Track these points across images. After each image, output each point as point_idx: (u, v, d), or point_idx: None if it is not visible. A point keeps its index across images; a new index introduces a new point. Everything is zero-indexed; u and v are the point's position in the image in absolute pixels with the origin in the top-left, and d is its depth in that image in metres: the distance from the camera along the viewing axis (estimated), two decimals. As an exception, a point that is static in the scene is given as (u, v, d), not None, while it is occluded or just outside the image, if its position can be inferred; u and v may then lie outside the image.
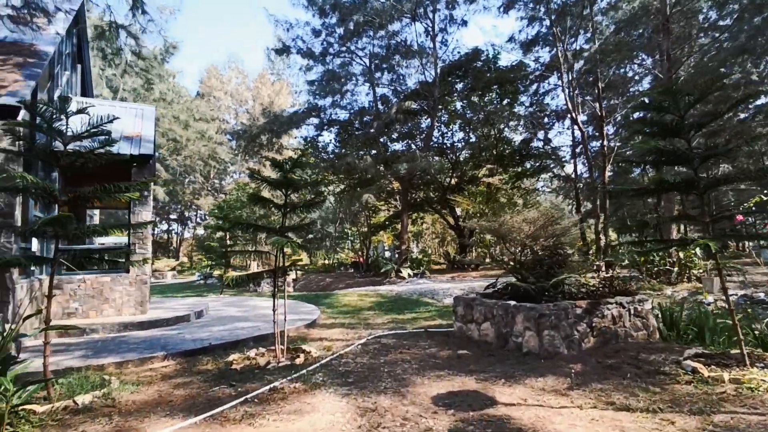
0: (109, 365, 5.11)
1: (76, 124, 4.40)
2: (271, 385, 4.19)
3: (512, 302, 5.30)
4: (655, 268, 13.19)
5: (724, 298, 10.74)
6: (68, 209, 9.71)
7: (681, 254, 13.02)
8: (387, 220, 33.08)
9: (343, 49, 24.94)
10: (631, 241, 12.84)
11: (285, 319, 5.60)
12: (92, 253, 6.24)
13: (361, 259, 26.98)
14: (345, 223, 34.73)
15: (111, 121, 4.42)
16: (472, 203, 23.38)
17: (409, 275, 20.82)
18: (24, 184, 3.89)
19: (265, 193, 24.64)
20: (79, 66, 10.43)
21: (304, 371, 4.72)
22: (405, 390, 4.00)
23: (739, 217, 13.45)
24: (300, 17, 36.60)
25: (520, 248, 6.01)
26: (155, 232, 54.68)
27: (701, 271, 13.29)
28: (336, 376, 4.55)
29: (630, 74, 27.87)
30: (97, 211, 13.46)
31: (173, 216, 47.78)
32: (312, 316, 8.51)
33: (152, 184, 8.47)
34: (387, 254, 27.63)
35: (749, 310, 8.57)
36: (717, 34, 19.10)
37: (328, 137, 32.07)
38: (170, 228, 57.08)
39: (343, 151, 24.26)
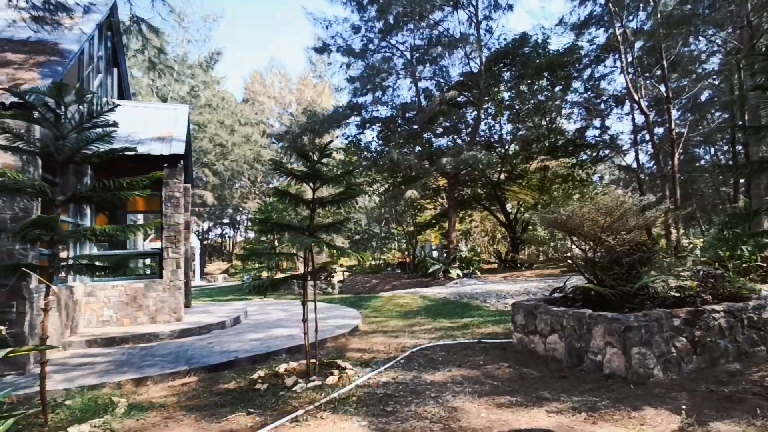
0: (127, 382, 4.64)
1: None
2: (293, 415, 3.49)
3: (587, 311, 4.32)
4: (744, 265, 11.45)
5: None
6: (107, 215, 9.62)
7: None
8: (434, 218, 32.06)
9: (384, 44, 24.26)
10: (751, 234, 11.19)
11: (316, 331, 4.92)
12: (120, 258, 5.86)
13: (408, 260, 26.21)
14: (391, 222, 34.10)
15: (112, 109, 3.89)
16: (529, 193, 21.88)
17: (458, 276, 19.79)
18: (13, 183, 3.42)
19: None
20: (115, 70, 10.39)
21: (336, 394, 4.00)
22: (456, 426, 3.17)
23: None
24: (338, 14, 36.57)
25: (592, 244, 4.98)
26: (210, 237, 56.76)
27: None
28: (372, 401, 3.79)
29: (696, 53, 25.30)
30: (141, 217, 13.52)
31: (225, 220, 49.22)
32: (353, 323, 7.83)
33: (182, 184, 8.11)
34: (434, 254, 26.68)
35: None
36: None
37: (370, 135, 31.57)
38: (223, 232, 59.01)
39: (386, 149, 23.54)
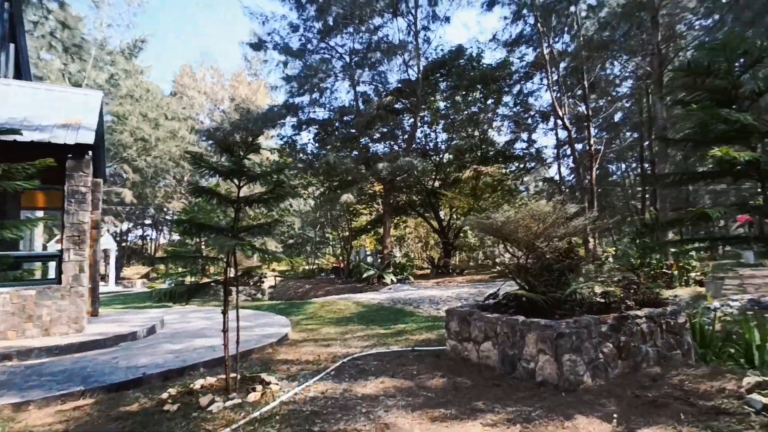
0: (3, 408, 3.91)
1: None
2: (204, 443, 3.07)
3: (520, 318, 4.29)
4: (652, 272, 12.44)
5: (730, 303, 9.96)
6: (-3, 210, 8.38)
7: (679, 257, 12.34)
8: (369, 224, 32.03)
9: (322, 45, 23.90)
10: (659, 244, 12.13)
11: (237, 342, 4.48)
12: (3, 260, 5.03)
13: (342, 265, 25.86)
14: (326, 227, 33.58)
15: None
16: (464, 199, 22.39)
17: (392, 281, 19.79)
18: None
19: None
20: (11, 46, 9.11)
21: (257, 413, 3.61)
22: (389, 444, 2.94)
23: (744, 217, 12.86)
24: (277, 10, 35.47)
25: (525, 250, 5.01)
26: (129, 238, 52.50)
27: (698, 274, 12.61)
28: (297, 420, 3.45)
29: (611, 77, 27.57)
30: (41, 215, 11.99)
31: (147, 221, 45.75)
32: (281, 331, 7.37)
33: (90, 178, 7.23)
34: (369, 259, 26.56)
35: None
36: (701, 33, 18.78)
37: (306, 137, 30.80)
38: (145, 233, 54.84)
39: (322, 152, 23.08)
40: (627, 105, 29.12)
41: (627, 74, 25.45)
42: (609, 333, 4.03)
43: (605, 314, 4.23)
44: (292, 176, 25.22)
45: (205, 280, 23.10)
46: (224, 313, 4.50)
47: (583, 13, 19.72)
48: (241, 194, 4.56)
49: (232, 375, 4.39)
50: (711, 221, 3.18)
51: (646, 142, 26.51)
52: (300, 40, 23.76)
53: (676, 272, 12.04)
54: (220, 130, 21.20)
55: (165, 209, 38.04)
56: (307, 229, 39.51)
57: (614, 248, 24.86)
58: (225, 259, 4.60)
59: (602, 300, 4.77)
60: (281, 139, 23.66)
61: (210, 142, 21.67)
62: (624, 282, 4.59)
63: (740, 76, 3.32)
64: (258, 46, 23.62)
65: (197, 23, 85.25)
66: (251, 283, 16.51)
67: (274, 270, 47.64)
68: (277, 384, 4.44)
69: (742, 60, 3.33)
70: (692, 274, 12.19)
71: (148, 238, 54.29)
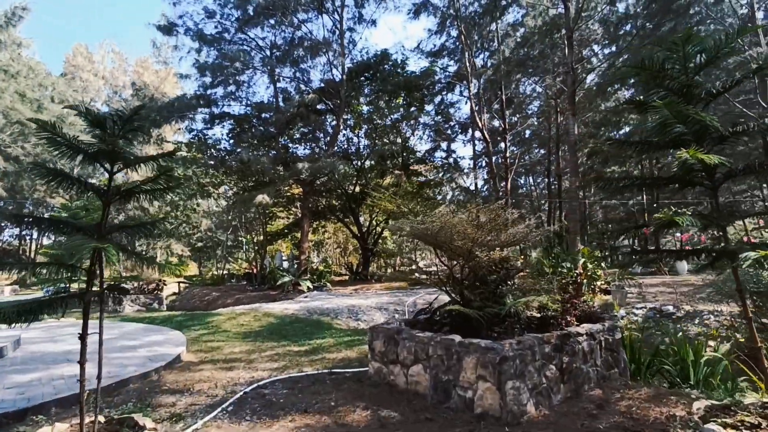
0: None
1: None
2: None
3: (457, 338, 3.75)
4: (563, 280, 12.89)
5: (634, 312, 10.48)
6: None
7: (589, 264, 12.94)
8: (286, 228, 30.60)
9: (241, 36, 22.34)
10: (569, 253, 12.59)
11: (100, 372, 3.40)
12: None
13: (255, 270, 24.24)
14: (240, 230, 31.49)
15: None
16: (393, 201, 22.00)
17: (309, 288, 18.80)
18: None
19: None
20: None
21: (116, 481, 2.64)
22: None
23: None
24: None
25: (460, 260, 4.51)
26: (2, 238, 45.20)
27: (602, 283, 13.34)
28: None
29: (525, 95, 29.20)
30: None
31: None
32: (173, 351, 6.20)
33: None
34: (285, 265, 25.20)
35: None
36: (605, 64, 20.46)
37: (219, 132, 28.65)
38: (22, 233, 47.64)
39: (237, 149, 21.41)
40: (536, 122, 31.04)
41: (538, 93, 27.01)
42: (552, 354, 3.63)
43: (545, 332, 3.84)
44: (201, 174, 23.17)
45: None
46: (82, 337, 3.41)
47: (504, 30, 20.51)
48: (110, 181, 3.51)
49: (91, 420, 3.31)
50: (680, 228, 2.86)
51: (552, 157, 28.37)
52: (216, 27, 22.03)
53: (585, 281, 12.56)
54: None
55: (46, 204, 33.11)
56: (219, 231, 36.89)
57: (523, 256, 26.08)
58: (85, 266, 3.50)
59: (539, 315, 4.41)
60: (190, 132, 21.59)
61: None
62: (564, 296, 4.26)
63: (694, 77, 3.09)
64: (168, 29, 21.39)
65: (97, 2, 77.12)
66: (147, 291, 14.58)
67: (179, 275, 43.91)
68: (154, 429, 3.44)
69: (695, 61, 3.09)
70: (598, 283, 12.81)
71: (27, 237, 47.30)
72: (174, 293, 27.51)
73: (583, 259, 13.44)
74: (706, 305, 9.41)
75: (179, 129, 23.21)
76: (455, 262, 4.67)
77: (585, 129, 26.33)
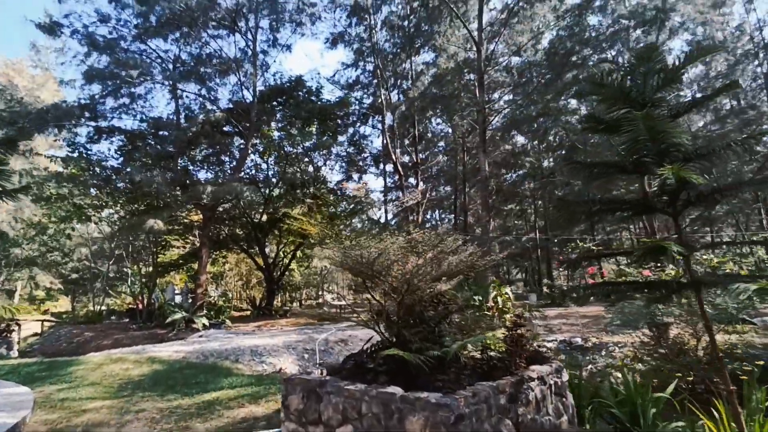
0: None
1: None
2: None
3: (398, 391, 3.08)
4: (477, 313, 12.91)
5: (545, 344, 10.63)
6: None
7: (499, 298, 13.13)
8: (181, 258, 27.70)
9: (141, 46, 20.35)
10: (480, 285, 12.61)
11: None
12: None
13: (141, 306, 21.31)
14: (125, 260, 27.86)
15: None
16: (316, 225, 20.89)
17: (205, 326, 16.81)
18: None
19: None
20: None
21: None
22: None
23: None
24: None
25: (396, 294, 3.88)
26: None
27: (510, 315, 13.65)
28: None
29: (435, 133, 30.48)
30: None
31: None
32: (9, 420, 4.66)
33: None
34: (178, 299, 22.52)
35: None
36: (511, 108, 22.13)
37: (107, 148, 25.02)
38: None
39: (127, 169, 18.97)
40: (444, 160, 32.43)
41: (446, 132, 28.29)
42: (507, 406, 3.13)
43: (496, 378, 3.34)
44: (80, 194, 20.11)
45: None
46: None
47: (419, 68, 21.25)
48: None
49: None
50: (666, 254, 2.55)
51: (459, 193, 29.65)
52: (111, 33, 19.79)
53: (496, 313, 12.68)
54: None
55: None
56: (99, 261, 32.37)
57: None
58: None
59: (480, 356, 3.93)
60: (70, 146, 18.70)
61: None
62: (511, 335, 3.83)
63: (654, 95, 2.92)
64: (50, 29, 18.66)
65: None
66: (-9, 334, 11.76)
67: (46, 312, 37.47)
68: None
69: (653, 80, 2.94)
70: (507, 316, 13.01)
71: None
72: (35, 334, 23.19)
73: (494, 292, 13.71)
74: (611, 337, 9.83)
75: (56, 141, 20.05)
76: (388, 297, 4.04)
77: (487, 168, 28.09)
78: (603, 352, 8.90)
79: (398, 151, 21.41)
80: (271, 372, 8.78)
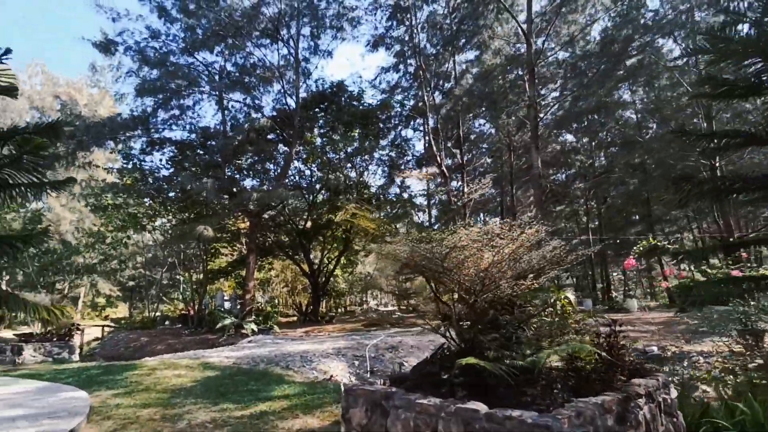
0: None
1: None
2: None
3: (480, 407, 2.61)
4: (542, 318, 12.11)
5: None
6: None
7: (558, 302, 12.24)
8: (230, 265, 28.30)
9: (189, 59, 20.97)
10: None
11: None
12: None
13: (192, 312, 21.80)
14: (177, 268, 28.80)
15: None
16: (375, 221, 20.72)
17: (253, 331, 16.88)
18: None
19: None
20: None
21: None
22: None
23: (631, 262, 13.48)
24: (132, 8, 31.09)
25: (471, 295, 3.41)
26: None
27: (572, 321, 12.68)
28: None
29: (480, 132, 29.62)
30: None
31: None
32: (65, 427, 4.55)
33: None
34: (227, 305, 22.89)
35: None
36: (561, 103, 21.05)
37: (159, 160, 25.88)
38: None
39: (178, 178, 19.51)
40: (488, 161, 31.45)
41: (491, 132, 27.40)
42: (616, 428, 2.58)
43: (589, 392, 2.80)
44: (135, 204, 20.90)
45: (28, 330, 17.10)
46: None
47: (462, 67, 20.68)
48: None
49: None
50: None
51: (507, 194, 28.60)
52: (161, 49, 20.51)
53: (556, 319, 11.84)
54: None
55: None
56: (154, 270, 33.67)
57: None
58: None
59: (566, 367, 3.38)
60: (124, 157, 19.46)
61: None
62: (604, 340, 3.28)
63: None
64: (105, 47, 19.58)
65: (28, 17, 72.74)
66: (54, 339, 12.19)
67: (106, 318, 39.40)
68: None
69: None
70: (569, 321, 12.12)
71: None
72: (96, 339, 24.29)
73: (553, 296, 12.86)
74: (692, 345, 8.86)
75: (112, 153, 20.93)
76: (457, 300, 3.58)
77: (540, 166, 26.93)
78: (685, 363, 7.98)
79: (442, 153, 20.84)
80: (322, 379, 8.47)
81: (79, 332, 13.99)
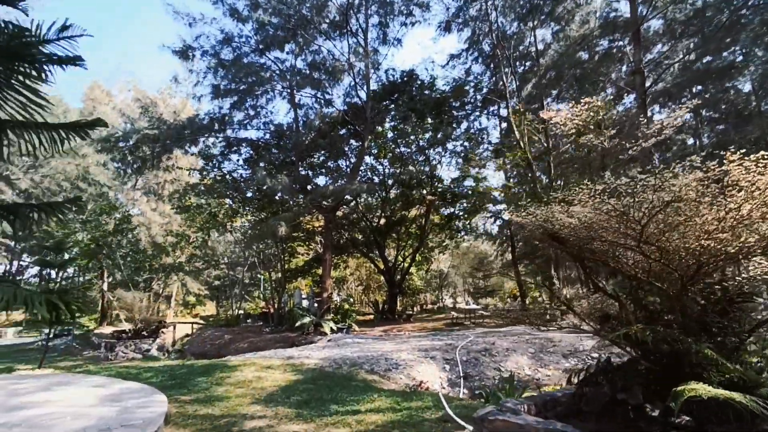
0: None
1: None
2: None
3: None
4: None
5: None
6: None
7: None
8: (306, 263, 28.51)
9: (260, 60, 21.12)
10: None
11: None
12: None
13: (272, 310, 22.00)
14: (257, 267, 29.53)
15: None
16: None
17: (332, 330, 16.43)
18: None
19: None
20: None
21: None
22: None
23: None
24: (207, 12, 32.36)
25: (675, 284, 2.22)
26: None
27: None
28: None
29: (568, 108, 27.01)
30: None
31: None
32: (137, 438, 3.96)
33: None
34: (305, 303, 22.89)
35: None
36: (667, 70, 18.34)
37: (235, 159, 26.30)
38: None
39: (255, 177, 19.70)
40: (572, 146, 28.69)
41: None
42: None
43: None
44: (216, 204, 21.49)
45: (126, 326, 18.15)
46: None
47: (544, 43, 18.78)
48: None
49: None
50: None
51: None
52: (234, 52, 20.85)
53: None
54: (121, 140, 16.99)
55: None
56: (237, 270, 34.97)
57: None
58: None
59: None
60: (204, 159, 20.01)
61: (113, 155, 17.11)
62: None
63: None
64: (184, 53, 20.26)
65: (115, 33, 79.74)
66: (144, 335, 12.44)
67: (196, 315, 41.80)
68: None
69: None
70: None
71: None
72: (186, 335, 25.50)
73: None
74: None
75: (193, 154, 21.65)
76: (646, 289, 2.38)
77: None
78: None
79: (525, 138, 19.07)
80: (413, 386, 7.52)
81: (165, 330, 14.27)
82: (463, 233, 32.78)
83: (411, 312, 28.44)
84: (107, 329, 19.79)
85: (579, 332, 2.89)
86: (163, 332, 13.82)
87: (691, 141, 25.53)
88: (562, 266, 26.85)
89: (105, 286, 25.49)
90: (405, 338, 13.61)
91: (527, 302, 29.58)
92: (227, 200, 20.73)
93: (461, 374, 8.56)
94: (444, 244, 33.33)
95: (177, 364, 9.69)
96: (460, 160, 27.65)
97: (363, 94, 21.08)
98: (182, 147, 17.71)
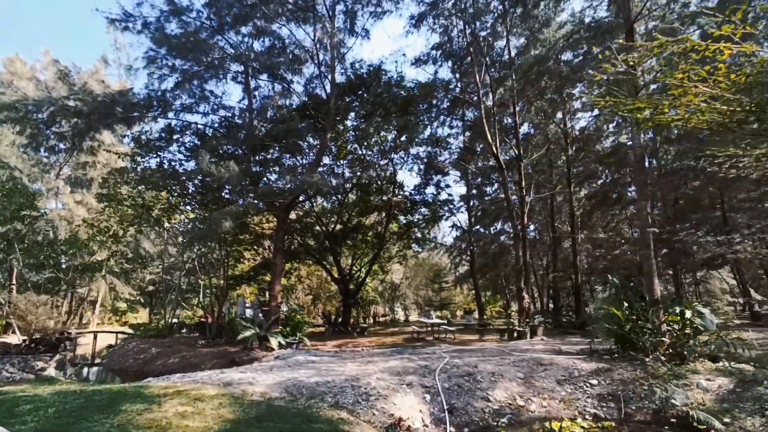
0: None
1: None
2: None
3: None
4: (646, 340, 9.13)
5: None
6: None
7: (687, 315, 9.24)
8: (252, 269, 26.03)
9: (212, 40, 18.81)
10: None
11: None
12: None
13: (210, 319, 19.46)
14: (198, 272, 26.62)
15: None
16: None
17: (280, 344, 14.37)
18: None
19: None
20: None
21: None
22: None
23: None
24: None
25: None
26: None
27: (702, 342, 9.58)
28: None
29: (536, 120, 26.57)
30: None
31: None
32: None
33: None
34: (249, 312, 20.43)
35: None
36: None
37: (177, 149, 23.18)
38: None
39: (198, 165, 17.24)
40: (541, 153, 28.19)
41: (544, 123, 24.48)
42: None
43: None
44: (151, 198, 18.71)
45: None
46: None
47: (522, 40, 17.99)
48: None
49: None
50: None
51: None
52: (181, 28, 18.41)
53: (683, 341, 8.93)
54: (34, 111, 13.95)
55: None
56: (174, 274, 31.65)
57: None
58: None
59: None
60: (139, 145, 17.31)
61: (12, 125, 13.97)
62: None
63: None
64: (122, 22, 17.59)
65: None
66: (41, 350, 9.85)
67: (125, 323, 37.57)
68: None
69: None
70: (698, 340, 9.15)
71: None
72: (110, 346, 22.21)
73: (678, 308, 9.89)
74: None
75: (124, 135, 18.81)
76: None
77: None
78: None
79: (497, 140, 18.04)
80: (390, 424, 5.81)
81: (70, 342, 11.63)
82: (420, 243, 31.59)
83: (365, 324, 26.70)
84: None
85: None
86: (66, 345, 11.16)
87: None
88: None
89: (14, 289, 21.78)
90: (367, 356, 11.83)
91: (485, 316, 28.70)
92: (165, 193, 18.09)
93: (446, 407, 6.95)
94: (402, 253, 31.96)
95: (74, 390, 7.34)
96: (422, 167, 26.48)
97: (327, 85, 19.34)
98: (112, 127, 15.04)
